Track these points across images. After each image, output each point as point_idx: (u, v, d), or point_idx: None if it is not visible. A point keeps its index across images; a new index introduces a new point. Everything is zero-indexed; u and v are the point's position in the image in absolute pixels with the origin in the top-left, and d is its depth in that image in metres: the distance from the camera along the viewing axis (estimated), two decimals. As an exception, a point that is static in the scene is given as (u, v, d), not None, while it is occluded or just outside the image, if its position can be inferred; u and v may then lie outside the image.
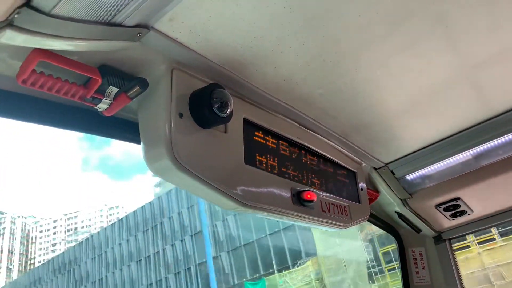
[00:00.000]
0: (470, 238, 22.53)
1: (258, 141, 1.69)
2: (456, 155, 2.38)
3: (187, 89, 1.41)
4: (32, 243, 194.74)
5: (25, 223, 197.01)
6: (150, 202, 51.85)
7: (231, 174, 1.49)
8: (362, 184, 2.34)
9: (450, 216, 2.80)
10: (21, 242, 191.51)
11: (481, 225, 2.89)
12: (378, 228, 3.06)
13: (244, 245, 39.01)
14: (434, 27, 1.52)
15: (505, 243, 23.93)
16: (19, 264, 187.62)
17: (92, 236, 63.61)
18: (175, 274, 45.46)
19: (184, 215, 45.66)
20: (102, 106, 1.33)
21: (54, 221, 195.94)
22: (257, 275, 37.49)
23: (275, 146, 1.78)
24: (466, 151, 2.35)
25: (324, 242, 30.95)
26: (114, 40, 1.20)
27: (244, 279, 38.05)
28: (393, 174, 2.56)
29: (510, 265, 23.50)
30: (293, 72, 1.61)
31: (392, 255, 27.96)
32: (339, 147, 2.20)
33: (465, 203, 2.67)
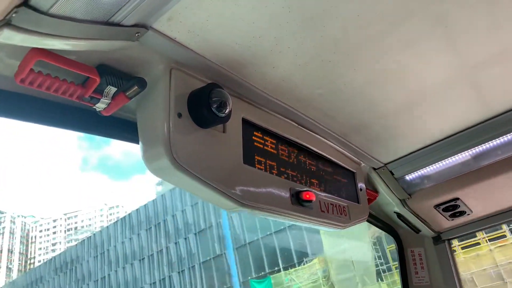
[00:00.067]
0: (480, 235, 22.41)
1: (257, 141, 1.69)
2: (456, 155, 2.38)
3: (186, 89, 1.41)
4: (32, 242, 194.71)
5: (25, 223, 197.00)
6: (153, 200, 51.54)
7: (229, 174, 1.48)
8: (361, 184, 2.34)
9: (449, 216, 2.80)
10: (21, 241, 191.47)
11: (480, 225, 2.90)
12: (385, 227, 3.05)
13: (249, 243, 38.67)
14: (433, 27, 1.51)
15: (516, 240, 23.87)
16: (19, 263, 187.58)
17: (94, 234, 63.31)
18: (179, 272, 45.09)
19: (188, 213, 45.25)
20: (100, 106, 1.33)
21: (54, 221, 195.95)
22: (263, 273, 37.16)
23: (274, 146, 1.77)
24: (466, 151, 2.35)
25: (331, 239, 30.63)
26: (112, 40, 1.20)
27: (249, 277, 37.70)
28: (392, 174, 2.57)
29: (522, 262, 23.43)
30: (292, 72, 1.61)
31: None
32: (338, 147, 2.20)
33: (464, 204, 2.67)
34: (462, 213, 2.76)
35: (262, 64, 1.54)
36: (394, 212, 2.83)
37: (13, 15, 0.93)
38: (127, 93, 1.30)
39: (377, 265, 29.53)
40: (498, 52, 1.69)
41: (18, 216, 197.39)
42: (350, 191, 2.23)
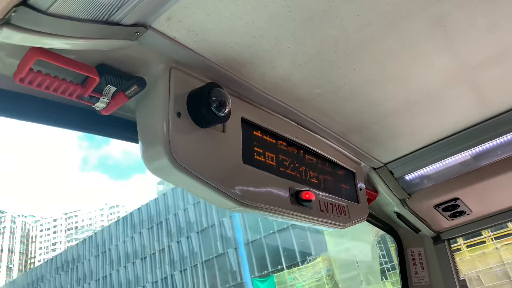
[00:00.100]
0: (486, 233, 22.30)
1: (256, 140, 1.69)
2: (455, 155, 2.39)
3: (185, 88, 1.41)
4: (32, 242, 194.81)
5: (25, 222, 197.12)
6: (155, 199, 51.29)
7: (229, 174, 1.48)
8: (361, 184, 2.34)
9: (449, 216, 2.80)
10: (21, 241, 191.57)
11: (480, 225, 2.90)
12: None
13: (252, 242, 38.46)
14: (433, 27, 1.51)
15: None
16: (19, 263, 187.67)
17: (95, 233, 63.02)
18: (181, 271, 44.91)
19: (190, 211, 44.99)
20: (99, 105, 1.33)
21: (55, 220, 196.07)
22: (265, 271, 36.92)
23: (273, 145, 1.77)
24: (465, 152, 2.35)
25: (335, 238, 30.26)
26: (111, 39, 1.20)
27: (252, 276, 37.41)
28: (392, 174, 2.57)
29: (529, 261, 23.28)
30: (291, 71, 1.61)
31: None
32: (338, 147, 2.20)
33: (464, 203, 2.67)
34: (461, 213, 2.76)
35: (261, 64, 1.54)
36: (394, 212, 2.83)
37: (12, 14, 0.93)
38: (127, 93, 1.30)
39: (381, 264, 29.29)
40: (498, 52, 1.69)
41: (19, 215, 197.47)
42: (349, 191, 2.23)
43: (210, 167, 1.41)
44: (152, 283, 47.93)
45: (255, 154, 1.65)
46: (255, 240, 38.35)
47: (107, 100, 1.32)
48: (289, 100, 1.79)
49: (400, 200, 2.72)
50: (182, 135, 1.35)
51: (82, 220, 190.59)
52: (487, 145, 2.30)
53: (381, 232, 3.09)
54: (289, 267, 35.05)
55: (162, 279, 47.05)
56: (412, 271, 2.99)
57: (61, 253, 72.84)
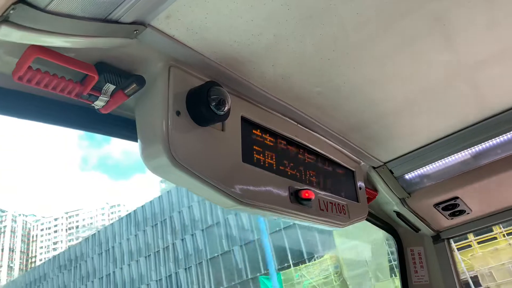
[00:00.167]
0: (497, 229, 22.06)
1: (256, 139, 1.69)
2: (455, 154, 2.38)
3: (185, 86, 1.41)
4: (33, 241, 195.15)
5: (26, 221, 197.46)
6: (159, 197, 50.99)
7: (228, 172, 1.48)
8: (360, 183, 2.34)
9: (448, 215, 2.80)
10: (22, 240, 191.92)
11: (480, 224, 2.89)
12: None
13: (258, 239, 37.98)
14: (432, 25, 1.51)
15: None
16: (20, 262, 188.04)
17: (99, 231, 62.77)
18: (186, 269, 44.70)
19: (195, 209, 44.77)
20: (99, 104, 1.32)
21: (55, 219, 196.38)
22: None
23: (273, 144, 1.77)
24: (465, 150, 2.35)
25: (343, 234, 29.60)
26: (110, 37, 1.20)
27: (258, 274, 37.31)
28: (392, 173, 2.56)
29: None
30: (291, 70, 1.61)
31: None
32: (337, 146, 2.20)
33: (463, 202, 2.67)
34: (461, 212, 2.76)
35: (261, 62, 1.53)
36: (394, 211, 2.82)
37: (11, 11, 0.93)
38: (126, 91, 1.30)
39: (390, 261, 28.89)
40: (497, 51, 1.69)
41: (20, 214, 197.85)
42: (349, 189, 2.23)
43: (209, 166, 1.41)
44: (156, 281, 47.74)
45: (255, 152, 1.65)
46: (259, 238, 37.98)
47: (106, 99, 1.32)
48: (289, 99, 1.79)
49: (399, 199, 2.72)
50: (181, 134, 1.35)
51: (83, 219, 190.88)
52: (487, 144, 2.29)
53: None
54: (296, 265, 34.70)
55: (166, 277, 46.81)
56: (412, 270, 2.99)
57: (64, 251, 72.71)
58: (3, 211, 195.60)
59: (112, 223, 61.51)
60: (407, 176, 2.61)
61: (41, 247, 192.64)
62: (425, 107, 2.01)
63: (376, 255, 28.25)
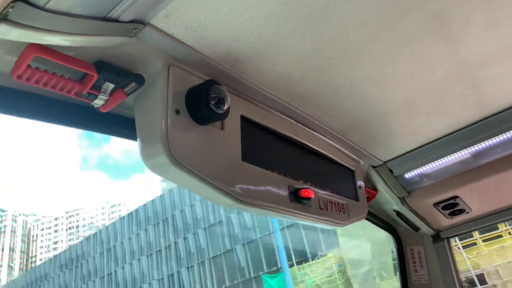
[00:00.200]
0: (502, 226, 21.95)
1: (255, 138, 1.69)
2: (455, 154, 2.38)
3: (184, 85, 1.41)
4: (33, 241, 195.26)
5: (26, 221, 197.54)
6: (160, 196, 50.64)
7: (228, 171, 1.48)
8: (360, 182, 2.34)
9: (448, 214, 2.80)
10: (22, 240, 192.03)
11: (479, 223, 2.89)
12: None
13: (260, 238, 38.00)
14: (432, 25, 1.51)
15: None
16: (20, 262, 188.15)
17: (100, 230, 62.35)
18: (188, 268, 44.38)
19: (197, 207, 44.37)
20: (98, 102, 1.32)
21: (56, 219, 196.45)
22: (275, 268, 36.23)
23: (272, 143, 1.77)
24: (465, 150, 2.35)
25: (346, 233, 29.52)
26: (110, 36, 1.19)
27: (261, 272, 36.98)
28: (392, 172, 2.56)
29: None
30: (290, 69, 1.61)
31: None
32: (337, 145, 2.19)
33: (463, 202, 2.67)
34: (461, 211, 2.76)
35: (260, 61, 1.53)
36: (393, 210, 2.83)
37: (10, 10, 0.93)
38: (125, 90, 1.30)
39: (394, 259, 28.78)
40: (497, 50, 1.69)
41: (20, 214, 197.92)
42: (349, 189, 2.23)
43: (209, 165, 1.41)
44: (158, 280, 47.43)
45: (254, 151, 1.64)
46: (263, 236, 37.89)
47: (106, 97, 1.31)
48: (288, 98, 1.79)
49: (399, 198, 2.72)
50: (180, 133, 1.35)
51: (84, 219, 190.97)
52: (487, 144, 2.29)
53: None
54: (299, 263, 34.44)
55: (168, 276, 46.54)
56: (412, 270, 2.99)
57: (65, 250, 72.40)
58: (3, 211, 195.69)
59: (113, 222, 61.13)
60: (406, 175, 2.61)
61: (42, 247, 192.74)
62: (425, 107, 2.01)
63: (381, 253, 27.98)
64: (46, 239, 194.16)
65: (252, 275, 38.34)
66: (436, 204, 2.71)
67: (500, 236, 22.64)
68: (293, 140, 1.89)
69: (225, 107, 1.42)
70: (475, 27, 1.55)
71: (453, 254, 3.01)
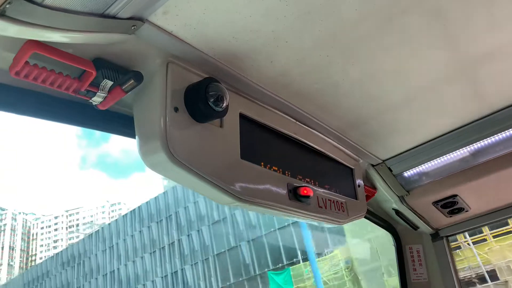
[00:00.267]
0: (511, 223, 22.10)
1: (254, 136, 1.68)
2: (454, 152, 2.38)
3: (183, 83, 1.41)
4: (33, 239, 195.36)
5: (26, 220, 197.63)
6: (163, 193, 50.32)
7: (227, 169, 1.48)
8: (359, 181, 2.34)
9: (447, 213, 2.80)
10: (22, 238, 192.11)
11: (478, 222, 2.89)
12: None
13: (265, 235, 37.74)
14: (431, 22, 1.51)
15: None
16: (20, 260, 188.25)
17: (102, 228, 62.14)
18: (192, 265, 44.16)
19: (201, 204, 44.09)
20: (96, 100, 1.32)
21: (56, 218, 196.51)
22: (280, 265, 36.03)
23: (271, 141, 1.77)
24: (464, 148, 2.35)
25: (354, 228, 28.85)
26: (108, 33, 1.19)
27: (266, 269, 36.70)
28: (391, 170, 2.56)
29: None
30: (289, 66, 1.60)
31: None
32: (336, 143, 2.19)
33: (462, 200, 2.67)
34: (460, 210, 2.76)
35: (259, 59, 1.53)
36: (393, 209, 2.82)
37: (7, 6, 0.93)
38: (124, 87, 1.29)
39: None
40: (496, 48, 1.68)
41: (20, 213, 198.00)
42: (348, 187, 2.23)
43: (207, 162, 1.41)
44: (162, 277, 47.23)
45: (253, 149, 1.64)
46: (269, 232, 37.66)
47: (104, 95, 1.31)
48: (287, 95, 1.78)
49: (398, 197, 2.72)
50: (179, 130, 1.34)
51: (84, 218, 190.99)
52: (486, 142, 2.29)
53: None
54: (305, 260, 34.08)
55: (172, 273, 46.32)
56: (411, 268, 3.00)
57: (67, 248, 72.20)
58: (3, 209, 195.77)
59: (116, 220, 60.94)
60: (406, 174, 2.61)
61: (41, 245, 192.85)
62: (425, 104, 2.01)
63: (388, 250, 27.91)
64: (46, 238, 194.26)
65: (257, 272, 38.11)
66: (435, 203, 2.71)
67: (509, 232, 22.47)
68: (292, 138, 1.89)
69: (224, 104, 1.42)
70: (475, 24, 1.54)
71: (452, 253, 3.01)
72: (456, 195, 2.63)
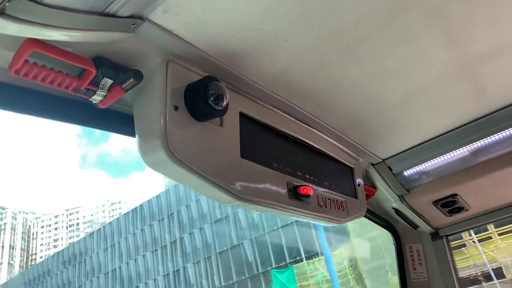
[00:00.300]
0: None
1: (254, 135, 1.68)
2: (454, 151, 2.38)
3: (183, 81, 1.41)
4: (33, 238, 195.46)
5: (26, 219, 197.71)
6: (165, 191, 50.02)
7: (227, 168, 1.48)
8: (359, 180, 2.34)
9: (447, 212, 2.80)
10: (22, 237, 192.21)
11: (478, 221, 2.89)
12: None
13: (268, 233, 37.47)
14: (432, 20, 1.50)
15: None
16: (21, 259, 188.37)
17: (104, 226, 61.85)
18: (194, 263, 43.92)
19: (203, 202, 43.79)
20: (96, 98, 1.32)
21: (56, 217, 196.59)
22: (283, 263, 35.80)
23: (271, 140, 1.77)
24: (464, 147, 2.34)
25: (358, 226, 28.49)
26: (108, 31, 1.19)
27: (270, 267, 36.47)
28: (391, 170, 2.56)
29: None
30: (289, 65, 1.60)
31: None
32: (336, 143, 2.19)
33: (462, 199, 2.66)
34: (460, 209, 2.75)
35: (259, 57, 1.53)
36: (392, 208, 2.83)
37: (6, 4, 0.93)
38: (123, 86, 1.29)
39: None
40: (497, 46, 1.68)
41: (20, 212, 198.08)
42: (348, 186, 2.23)
43: (207, 161, 1.41)
44: (164, 276, 47.01)
45: (253, 148, 1.64)
46: (272, 230, 37.44)
47: (104, 93, 1.31)
48: (288, 94, 1.78)
49: (398, 196, 2.72)
50: (179, 129, 1.34)
51: (84, 217, 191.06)
52: (486, 141, 2.29)
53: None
54: (308, 258, 33.99)
55: (174, 271, 46.09)
56: (411, 267, 3.00)
57: (68, 246, 72.07)
58: (3, 208, 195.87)
59: (117, 218, 60.65)
60: (406, 173, 2.61)
61: (42, 244, 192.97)
62: (425, 104, 2.01)
63: (393, 248, 27.79)
64: (46, 237, 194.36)
65: (260, 271, 37.94)
66: (435, 202, 2.71)
67: (514, 230, 22.56)
68: (292, 137, 1.89)
69: (224, 103, 1.41)
70: (476, 22, 1.54)
71: (451, 252, 3.02)
72: (456, 194, 2.63)
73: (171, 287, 45.97)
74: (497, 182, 2.53)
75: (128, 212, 57.17)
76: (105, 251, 57.08)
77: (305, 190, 1.75)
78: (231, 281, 40.26)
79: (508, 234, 22.50)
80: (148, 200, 52.16)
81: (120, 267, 53.37)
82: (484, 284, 22.96)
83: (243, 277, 39.26)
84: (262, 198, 1.58)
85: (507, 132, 2.23)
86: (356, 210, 2.19)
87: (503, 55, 1.73)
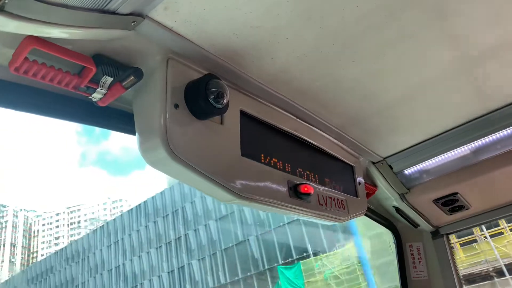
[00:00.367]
0: None
1: (254, 133, 1.68)
2: (455, 150, 2.37)
3: (183, 79, 1.40)
4: (34, 236, 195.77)
5: (27, 217, 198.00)
6: (170, 187, 49.92)
7: (227, 166, 1.48)
8: (359, 178, 2.34)
9: (448, 211, 2.79)
10: (23, 235, 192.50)
11: (479, 220, 2.89)
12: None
13: (274, 229, 37.50)
14: (432, 18, 1.50)
15: None
16: (22, 257, 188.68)
17: (107, 223, 61.81)
18: (199, 260, 43.91)
19: (208, 198, 43.07)
20: (96, 96, 1.31)
21: (57, 214, 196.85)
22: (290, 259, 35.82)
23: (271, 138, 1.77)
24: (465, 146, 2.34)
25: (367, 221, 28.96)
26: (108, 29, 1.18)
27: (276, 264, 36.43)
28: (391, 168, 2.56)
29: None
30: (290, 63, 1.60)
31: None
32: (336, 141, 2.19)
33: (463, 198, 2.66)
34: (460, 207, 2.75)
35: (260, 55, 1.52)
36: (393, 206, 2.82)
37: (6, 1, 0.92)
38: (123, 83, 1.29)
39: None
40: (498, 45, 1.67)
41: (21, 210, 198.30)
42: (348, 185, 2.23)
43: (208, 159, 1.41)
44: (168, 272, 46.99)
45: (254, 146, 1.64)
46: (278, 226, 37.41)
47: (104, 91, 1.31)
48: (288, 93, 1.78)
49: (399, 194, 2.71)
50: (179, 127, 1.34)
51: (85, 214, 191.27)
52: (487, 139, 2.29)
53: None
54: (315, 254, 33.97)
55: (179, 268, 46.07)
56: (411, 266, 3.00)
57: (71, 243, 71.96)
58: (4, 206, 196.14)
59: (121, 215, 60.60)
60: (406, 172, 2.60)
61: (43, 242, 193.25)
62: (425, 102, 2.00)
63: None
64: (47, 235, 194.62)
65: (266, 267, 37.86)
66: (435, 200, 2.71)
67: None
68: (292, 136, 1.89)
69: (225, 101, 1.41)
70: (477, 21, 1.53)
71: (452, 251, 3.01)
72: (456, 193, 2.62)
73: (175, 283, 45.95)
74: (498, 181, 2.52)
75: (132, 209, 57.04)
76: (109, 248, 57.07)
77: (305, 189, 1.75)
78: (236, 278, 40.21)
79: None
80: (152, 197, 52.05)
81: (124, 264, 53.38)
82: (496, 279, 22.96)
83: (248, 274, 39.21)
84: (263, 196, 1.58)
85: (508, 131, 2.22)
86: (357, 208, 2.19)
87: (504, 53, 1.73)
